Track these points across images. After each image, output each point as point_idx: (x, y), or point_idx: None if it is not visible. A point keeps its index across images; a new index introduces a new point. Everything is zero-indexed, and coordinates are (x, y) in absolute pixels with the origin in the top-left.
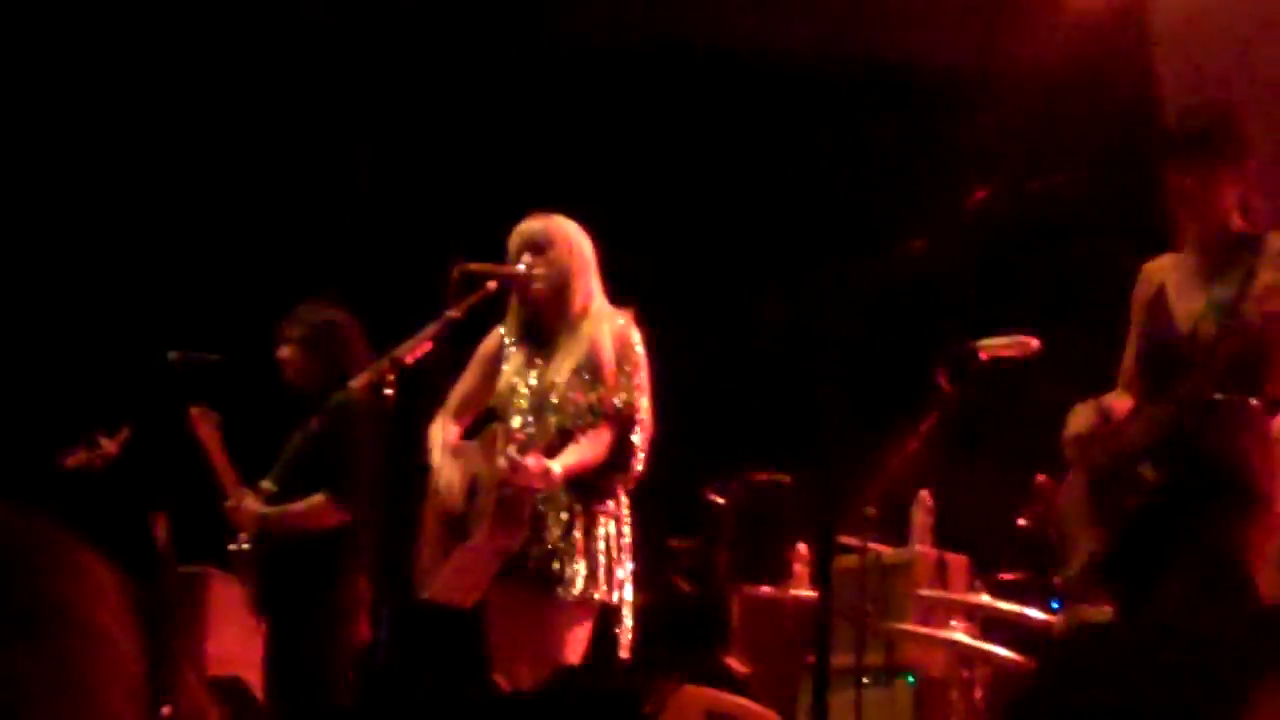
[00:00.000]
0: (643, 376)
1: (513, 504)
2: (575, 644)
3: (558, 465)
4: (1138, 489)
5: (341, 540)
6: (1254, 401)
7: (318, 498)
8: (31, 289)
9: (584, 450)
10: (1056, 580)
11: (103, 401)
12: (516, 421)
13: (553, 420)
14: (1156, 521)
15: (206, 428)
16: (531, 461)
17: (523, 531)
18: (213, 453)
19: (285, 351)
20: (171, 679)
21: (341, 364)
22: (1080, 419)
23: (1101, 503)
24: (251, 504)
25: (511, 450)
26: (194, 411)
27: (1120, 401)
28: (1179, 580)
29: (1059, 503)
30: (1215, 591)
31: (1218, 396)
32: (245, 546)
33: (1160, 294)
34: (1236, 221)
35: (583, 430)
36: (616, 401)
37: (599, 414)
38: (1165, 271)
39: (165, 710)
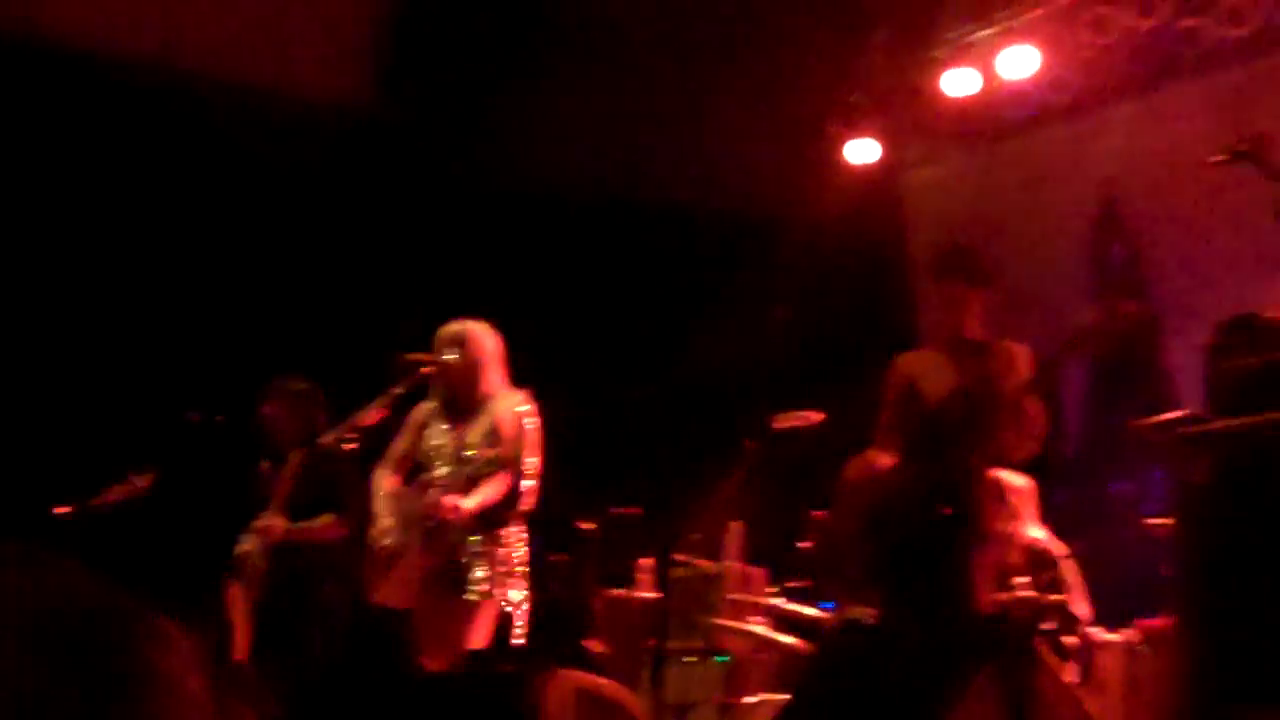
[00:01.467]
0: (532, 439)
1: (437, 532)
2: (480, 635)
3: (468, 504)
4: (901, 527)
5: (328, 553)
6: (975, 461)
7: (327, 517)
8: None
9: (487, 493)
10: (831, 584)
11: (136, 450)
12: (441, 471)
13: (466, 471)
14: (915, 550)
15: (290, 469)
16: (448, 500)
17: (446, 552)
18: (283, 484)
19: (271, 411)
20: (234, 712)
21: (313, 423)
22: (854, 470)
23: (872, 532)
24: (279, 522)
25: (435, 493)
26: (262, 466)
27: (879, 457)
28: (924, 589)
29: (837, 527)
30: (947, 600)
31: (961, 462)
32: (253, 550)
33: (911, 381)
34: (975, 330)
35: (486, 479)
36: (511, 457)
37: (497, 466)
38: (913, 364)
39: None
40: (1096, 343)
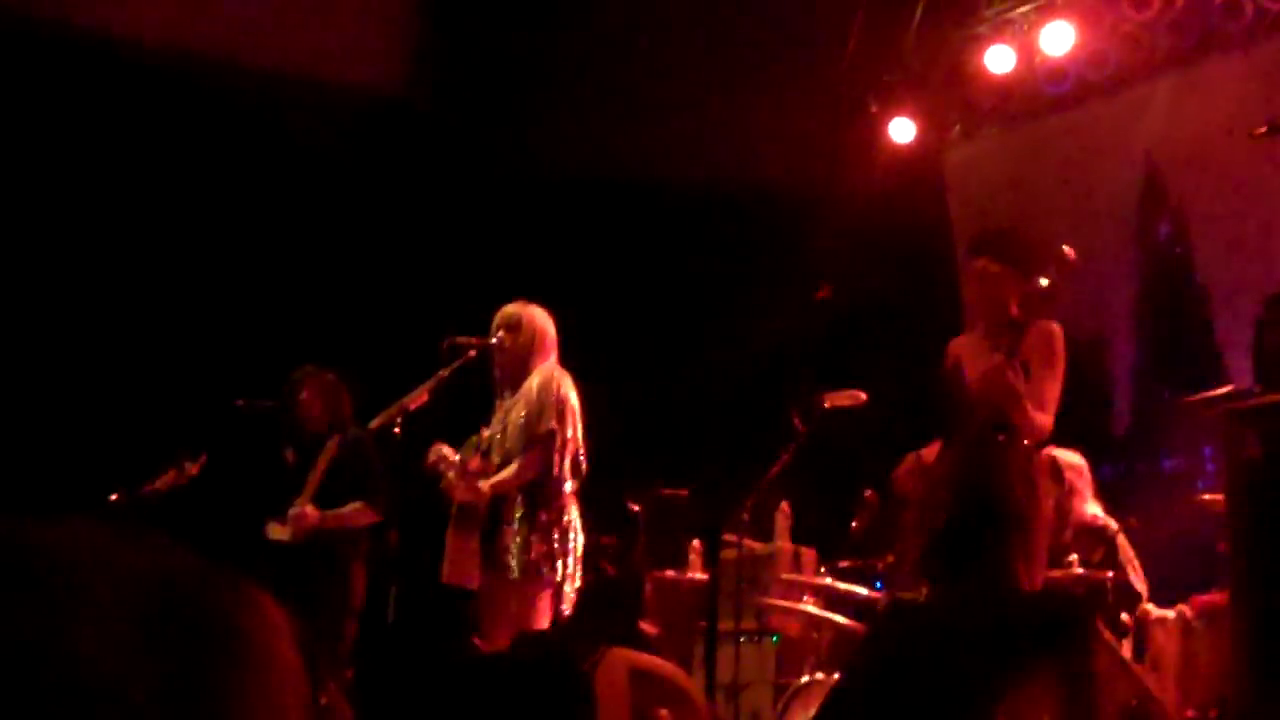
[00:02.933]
0: (566, 409)
1: (465, 512)
2: (531, 614)
3: (486, 485)
4: (940, 510)
5: (356, 539)
6: (1001, 438)
7: (357, 504)
8: (135, 352)
9: (511, 471)
10: (892, 573)
11: (185, 437)
12: (496, 457)
13: (507, 449)
14: (953, 533)
15: (326, 456)
16: (467, 481)
17: (476, 532)
18: (317, 471)
19: (305, 398)
20: (322, 681)
21: (341, 410)
22: (905, 464)
23: (920, 521)
24: (311, 509)
25: (452, 475)
26: (327, 444)
27: (934, 447)
28: (971, 572)
29: (900, 520)
30: (995, 582)
31: (985, 440)
32: (284, 538)
33: (957, 365)
34: (1014, 310)
35: (519, 456)
36: (540, 430)
37: (529, 440)
38: (961, 346)
39: (322, 700)
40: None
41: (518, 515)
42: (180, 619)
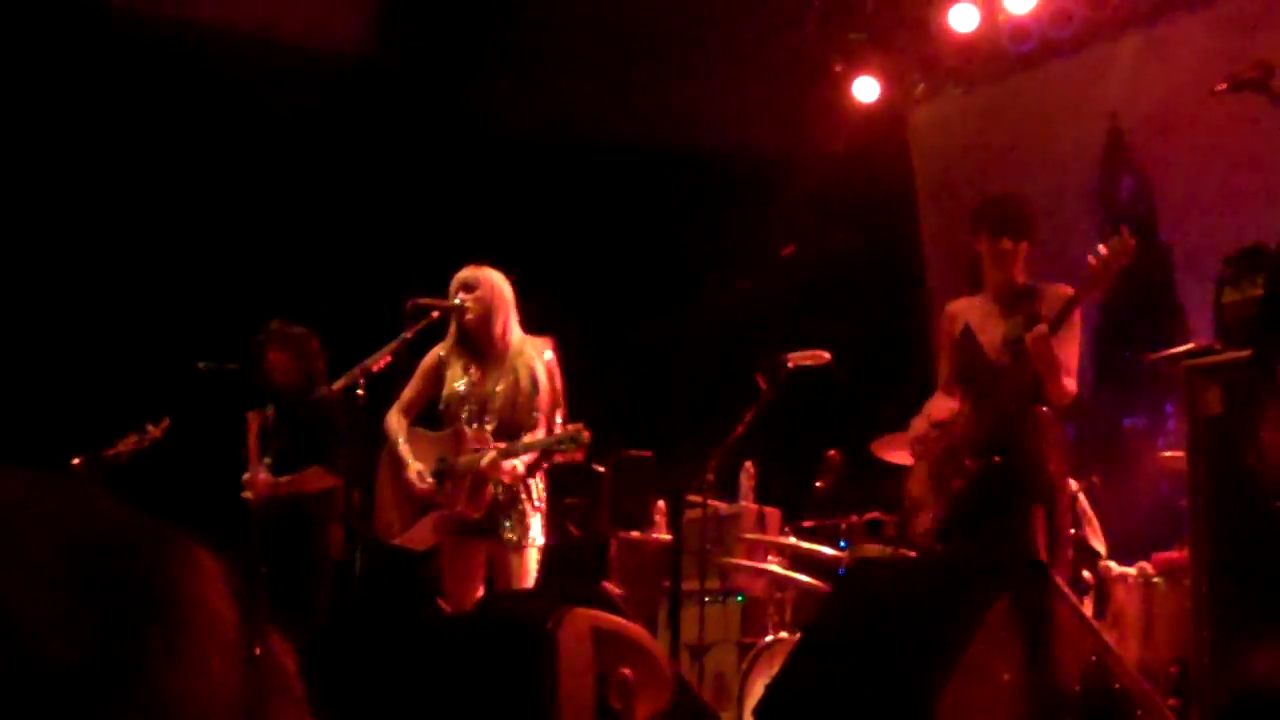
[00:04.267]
0: (561, 390)
1: (483, 487)
2: (523, 577)
3: (521, 465)
4: (962, 474)
5: (326, 500)
6: (1043, 409)
7: (314, 468)
8: (96, 315)
9: (532, 455)
10: (910, 535)
11: (149, 399)
12: (465, 416)
13: (492, 423)
14: (975, 498)
15: (254, 423)
16: (507, 465)
17: (484, 505)
18: (250, 439)
19: (273, 355)
20: (259, 631)
21: (314, 368)
22: (918, 425)
23: (937, 484)
24: (264, 475)
25: (493, 454)
26: (249, 414)
27: (939, 404)
28: (989, 536)
29: (908, 484)
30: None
31: (1015, 407)
32: (250, 498)
33: (967, 330)
34: (1020, 276)
35: (525, 432)
36: (548, 410)
37: (536, 423)
38: (966, 310)
39: (256, 650)
40: (1108, 281)
41: (506, 488)
42: (109, 568)
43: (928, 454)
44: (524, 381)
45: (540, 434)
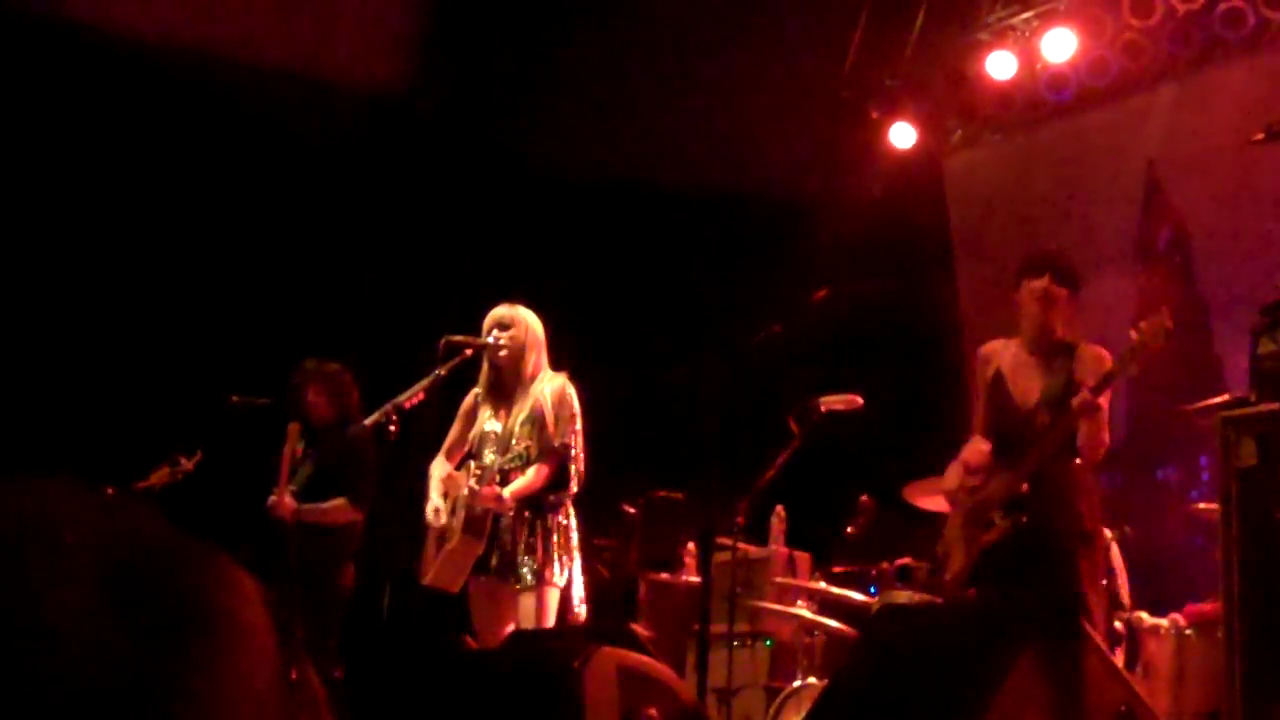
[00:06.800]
0: (576, 422)
1: (477, 519)
2: (544, 619)
3: (507, 492)
4: (990, 530)
5: (346, 534)
6: (1077, 461)
7: (339, 500)
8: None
9: (528, 479)
10: (940, 581)
11: (182, 432)
12: (488, 458)
13: (509, 457)
14: (1002, 554)
15: (291, 438)
16: (487, 489)
17: (485, 538)
18: (284, 460)
19: (311, 395)
20: (295, 656)
21: (348, 405)
22: (953, 473)
23: (969, 534)
24: (289, 499)
25: (473, 482)
26: (290, 427)
27: (975, 448)
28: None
29: (945, 530)
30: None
31: (1051, 465)
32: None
33: (999, 376)
34: (1060, 330)
35: (533, 464)
36: (555, 443)
37: (543, 453)
38: (999, 355)
39: (293, 675)
40: (1144, 362)
41: (526, 524)
42: (151, 586)
43: (962, 505)
44: (538, 412)
45: (536, 470)
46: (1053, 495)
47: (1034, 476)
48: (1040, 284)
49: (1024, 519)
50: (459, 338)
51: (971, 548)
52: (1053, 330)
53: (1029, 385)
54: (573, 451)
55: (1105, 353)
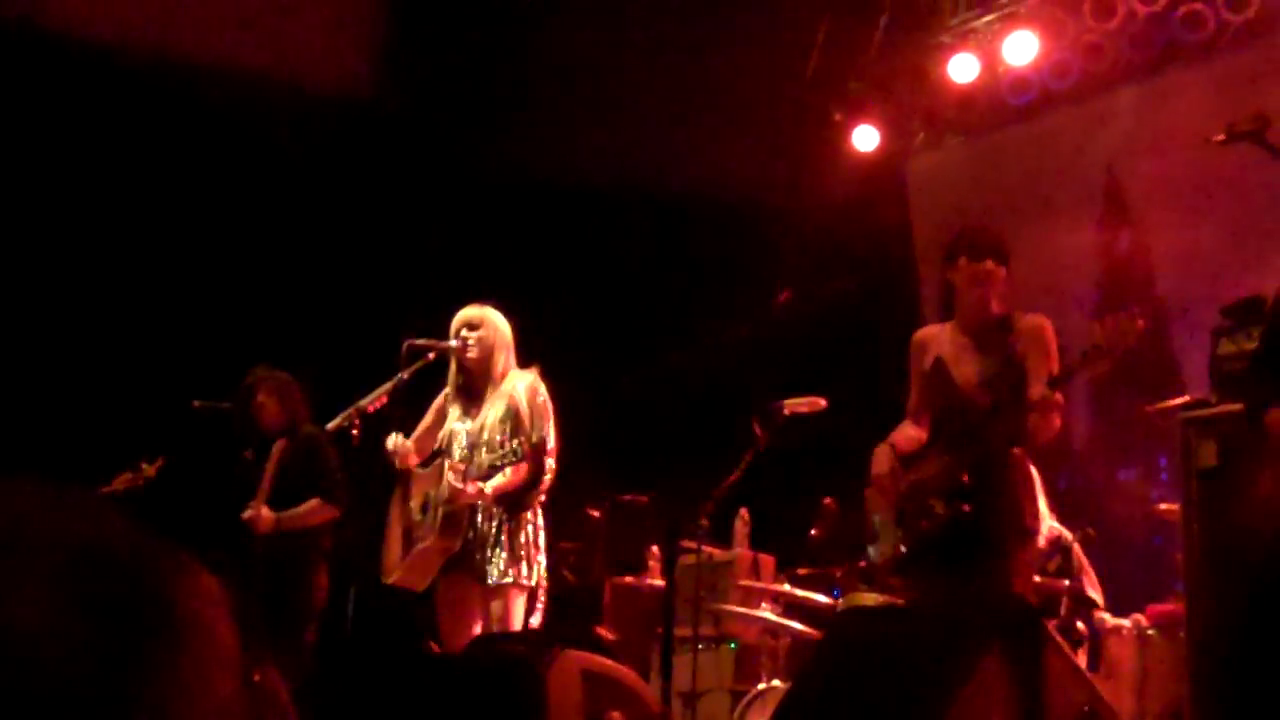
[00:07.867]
0: (549, 416)
1: (454, 517)
2: (509, 619)
3: (488, 488)
4: (929, 517)
5: (320, 534)
6: (1018, 451)
7: (313, 501)
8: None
9: (508, 477)
10: (863, 564)
11: (144, 438)
12: (457, 454)
13: (485, 456)
14: (941, 543)
15: (276, 454)
16: (469, 487)
17: (461, 536)
18: (267, 475)
19: (262, 396)
20: (258, 658)
21: (296, 408)
22: (882, 460)
23: (901, 520)
24: (267, 511)
25: (454, 478)
26: (275, 445)
27: (905, 434)
28: (954, 583)
29: (868, 513)
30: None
31: (993, 451)
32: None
33: (940, 362)
34: (996, 305)
35: (508, 463)
36: (532, 440)
37: (519, 452)
38: (936, 340)
39: (255, 677)
40: (1106, 360)
41: (495, 521)
42: (114, 587)
43: (893, 492)
44: (513, 409)
45: (515, 469)
46: (994, 487)
47: (975, 466)
48: (983, 267)
49: (965, 508)
50: (422, 341)
51: (905, 534)
52: (989, 306)
53: (969, 369)
54: (549, 445)
55: (1044, 320)
